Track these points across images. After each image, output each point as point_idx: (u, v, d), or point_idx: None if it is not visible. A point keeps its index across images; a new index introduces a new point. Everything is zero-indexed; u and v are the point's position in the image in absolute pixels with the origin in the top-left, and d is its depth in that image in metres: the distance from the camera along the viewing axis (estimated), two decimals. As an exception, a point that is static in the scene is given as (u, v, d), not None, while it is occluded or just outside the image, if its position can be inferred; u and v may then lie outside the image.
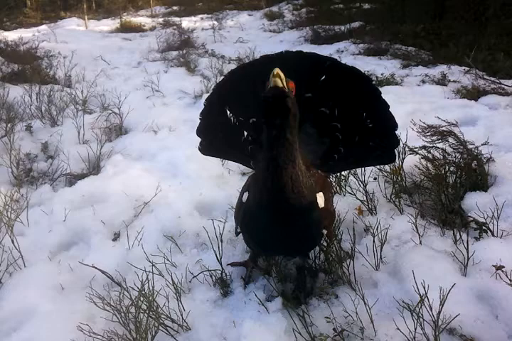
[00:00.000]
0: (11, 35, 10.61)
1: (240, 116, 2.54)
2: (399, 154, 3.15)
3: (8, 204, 2.83)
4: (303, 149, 2.16)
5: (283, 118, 1.86)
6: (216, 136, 2.62)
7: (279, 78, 1.79)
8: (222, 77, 2.71)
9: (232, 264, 2.63)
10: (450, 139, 3.19)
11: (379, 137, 2.45)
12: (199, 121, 2.64)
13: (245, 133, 2.54)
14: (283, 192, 1.96)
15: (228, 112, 2.54)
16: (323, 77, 2.47)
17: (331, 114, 2.48)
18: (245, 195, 2.24)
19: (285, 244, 2.19)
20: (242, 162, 2.69)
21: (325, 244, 2.52)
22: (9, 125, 4.51)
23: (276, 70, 1.80)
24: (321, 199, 2.18)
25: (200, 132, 2.66)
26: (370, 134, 2.45)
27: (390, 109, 2.42)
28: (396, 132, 2.44)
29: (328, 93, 2.47)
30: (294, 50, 2.54)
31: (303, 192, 1.99)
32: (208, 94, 2.68)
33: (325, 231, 2.26)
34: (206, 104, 2.64)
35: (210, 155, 2.78)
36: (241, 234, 2.37)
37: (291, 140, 1.91)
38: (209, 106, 2.63)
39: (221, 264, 2.53)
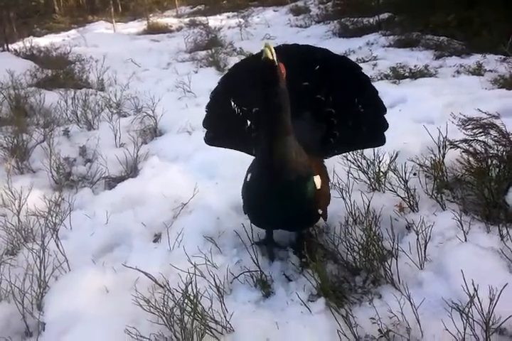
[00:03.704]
0: (42, 41, 10.90)
1: (244, 106, 2.73)
2: (439, 148, 3.09)
3: (53, 210, 2.91)
4: (303, 135, 2.35)
5: (273, 85, 2.06)
6: (221, 127, 2.84)
7: (269, 51, 1.99)
8: (228, 70, 2.93)
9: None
10: (492, 131, 3.09)
11: (370, 121, 2.63)
12: (205, 113, 2.85)
13: (249, 123, 2.72)
14: (276, 166, 2.16)
15: (233, 103, 2.74)
16: (318, 67, 2.68)
17: (326, 101, 2.70)
18: (249, 176, 2.44)
19: (281, 218, 2.38)
20: (245, 150, 2.84)
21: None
22: (47, 130, 4.64)
23: (267, 44, 1.99)
24: (318, 181, 2.34)
25: (205, 124, 2.88)
26: (362, 118, 2.65)
27: (379, 95, 2.63)
28: (385, 116, 2.62)
29: (322, 81, 2.68)
30: (290, 44, 2.81)
31: (296, 168, 2.18)
32: (214, 88, 2.83)
33: (320, 211, 2.43)
34: (212, 97, 2.82)
35: (214, 145, 2.95)
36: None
37: (284, 114, 2.12)
38: (214, 98, 2.82)
39: (259, 266, 2.52)
